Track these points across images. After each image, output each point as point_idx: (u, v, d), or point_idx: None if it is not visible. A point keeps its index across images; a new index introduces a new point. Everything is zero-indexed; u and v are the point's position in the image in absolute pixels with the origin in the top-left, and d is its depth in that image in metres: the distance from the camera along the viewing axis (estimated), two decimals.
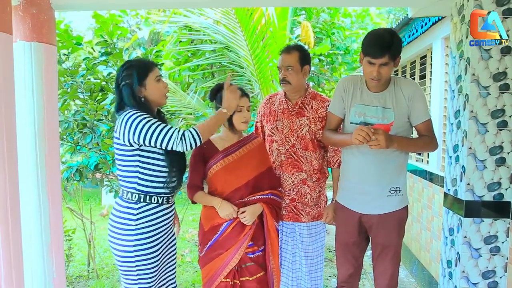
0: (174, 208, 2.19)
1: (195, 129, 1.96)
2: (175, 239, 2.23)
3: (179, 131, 1.94)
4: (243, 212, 2.20)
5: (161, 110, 2.21)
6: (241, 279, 2.23)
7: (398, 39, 2.07)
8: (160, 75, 2.08)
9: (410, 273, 4.20)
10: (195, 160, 2.27)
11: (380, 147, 1.98)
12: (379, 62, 2.02)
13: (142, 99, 2.01)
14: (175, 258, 2.23)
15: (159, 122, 1.94)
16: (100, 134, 3.71)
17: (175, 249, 2.23)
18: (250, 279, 2.23)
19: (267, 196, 2.27)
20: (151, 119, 1.93)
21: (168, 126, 1.95)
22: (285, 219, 2.51)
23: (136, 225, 1.99)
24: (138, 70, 2.01)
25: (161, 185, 2.03)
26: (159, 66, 2.18)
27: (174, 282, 2.25)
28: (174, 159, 2.04)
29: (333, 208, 2.49)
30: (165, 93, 2.09)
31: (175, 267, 2.26)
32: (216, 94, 2.26)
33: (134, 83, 1.98)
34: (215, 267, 2.21)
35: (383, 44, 2.00)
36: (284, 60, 2.47)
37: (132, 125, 1.90)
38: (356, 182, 2.26)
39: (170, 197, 2.11)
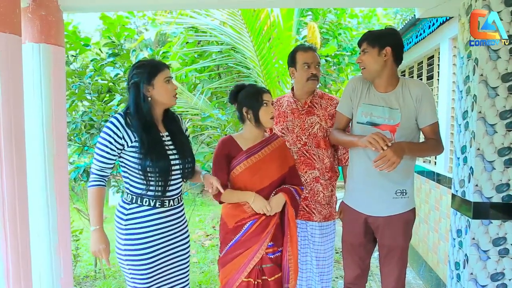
0: (176, 213, 2.11)
1: (91, 183, 2.01)
2: (184, 244, 2.16)
3: (92, 173, 2.01)
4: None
5: (170, 109, 2.15)
6: (262, 277, 2.20)
7: (383, 30, 2.24)
8: (170, 76, 2.05)
9: (417, 274, 4.17)
10: (218, 159, 2.21)
11: (396, 164, 1.96)
12: (361, 49, 2.20)
13: (149, 98, 2.00)
14: (182, 261, 2.16)
15: (102, 156, 1.96)
16: None
17: (184, 254, 2.16)
18: (269, 279, 2.20)
19: (286, 187, 2.24)
20: (103, 149, 1.95)
21: (96, 165, 1.99)
22: (297, 217, 2.50)
23: (126, 225, 1.99)
24: (148, 69, 1.99)
25: (144, 187, 1.98)
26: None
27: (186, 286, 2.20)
28: (153, 166, 1.95)
29: None
30: (173, 95, 2.05)
31: (186, 271, 2.19)
32: (236, 95, 2.23)
33: (142, 82, 1.97)
34: (236, 266, 2.16)
35: (364, 34, 2.22)
36: (315, 57, 2.53)
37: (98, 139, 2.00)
38: (362, 184, 2.26)
39: (167, 201, 2.04)
